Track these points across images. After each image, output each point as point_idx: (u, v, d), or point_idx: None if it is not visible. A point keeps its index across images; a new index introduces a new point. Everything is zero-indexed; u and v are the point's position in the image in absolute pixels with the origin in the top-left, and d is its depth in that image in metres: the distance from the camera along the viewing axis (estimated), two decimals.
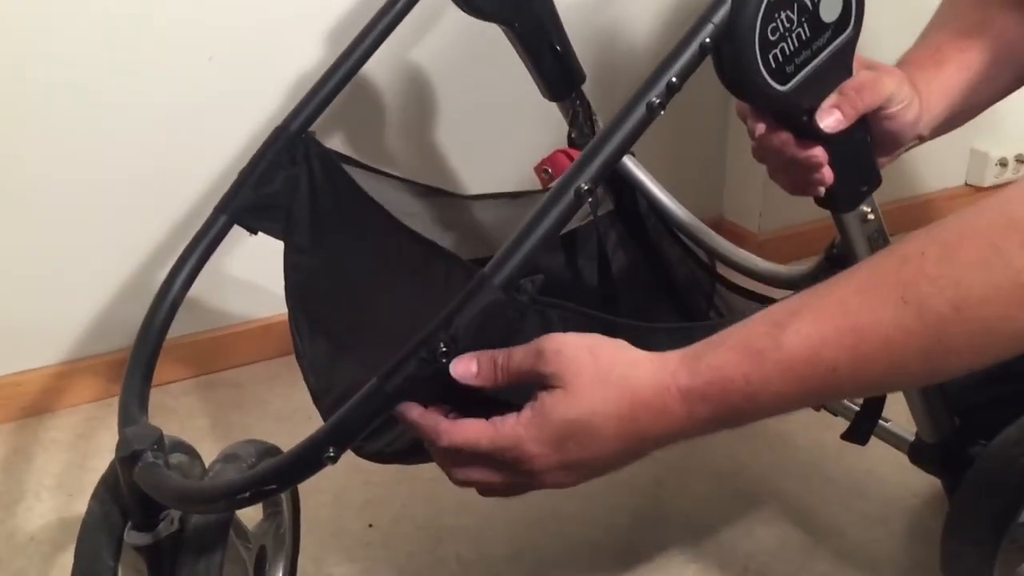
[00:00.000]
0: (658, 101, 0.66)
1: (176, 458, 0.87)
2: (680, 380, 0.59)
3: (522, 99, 1.47)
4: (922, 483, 1.16)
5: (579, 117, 1.10)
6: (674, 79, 0.66)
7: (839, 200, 0.80)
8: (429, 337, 0.64)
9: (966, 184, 1.87)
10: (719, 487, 1.19)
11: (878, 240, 0.83)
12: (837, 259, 0.87)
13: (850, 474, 1.19)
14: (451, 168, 1.51)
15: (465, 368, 0.63)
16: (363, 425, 0.65)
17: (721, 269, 1.08)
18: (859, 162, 0.78)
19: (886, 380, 0.60)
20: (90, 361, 1.40)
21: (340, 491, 1.19)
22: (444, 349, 0.63)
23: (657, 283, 1.13)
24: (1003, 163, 1.84)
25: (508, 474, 0.62)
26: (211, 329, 1.46)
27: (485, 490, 0.65)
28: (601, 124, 1.12)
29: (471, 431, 0.61)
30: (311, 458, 0.65)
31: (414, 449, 0.74)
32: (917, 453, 1.03)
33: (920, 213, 1.80)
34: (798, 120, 0.73)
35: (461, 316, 0.63)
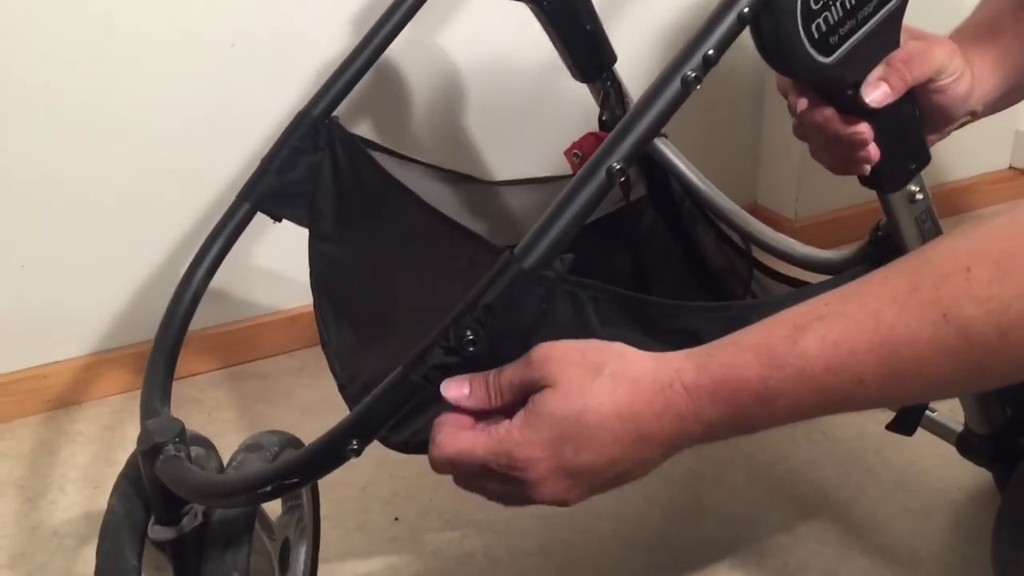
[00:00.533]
0: (693, 75, 0.63)
1: (195, 451, 0.85)
2: (686, 376, 0.56)
3: (551, 81, 1.47)
4: (968, 476, 1.12)
5: (610, 99, 1.07)
6: (711, 52, 0.63)
7: (885, 179, 0.76)
8: (455, 323, 0.62)
9: (1011, 168, 1.81)
10: (757, 479, 1.15)
11: (926, 222, 0.79)
12: (882, 242, 0.84)
13: (892, 466, 1.15)
14: (479, 154, 1.48)
15: (457, 391, 0.61)
16: (388, 416, 0.63)
17: (758, 254, 1.05)
18: (907, 138, 0.74)
19: (915, 395, 0.57)
20: (116, 353, 1.38)
21: (366, 484, 1.17)
22: (471, 336, 0.61)
23: (691, 269, 1.10)
24: None
25: (505, 483, 0.59)
26: (237, 320, 1.45)
27: (491, 498, 0.63)
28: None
29: (464, 441, 0.59)
30: (334, 451, 0.64)
31: None
32: (966, 444, 0.99)
33: (960, 198, 1.75)
34: (843, 94, 0.70)
35: (487, 298, 0.61)
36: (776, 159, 1.69)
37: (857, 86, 0.69)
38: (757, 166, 1.73)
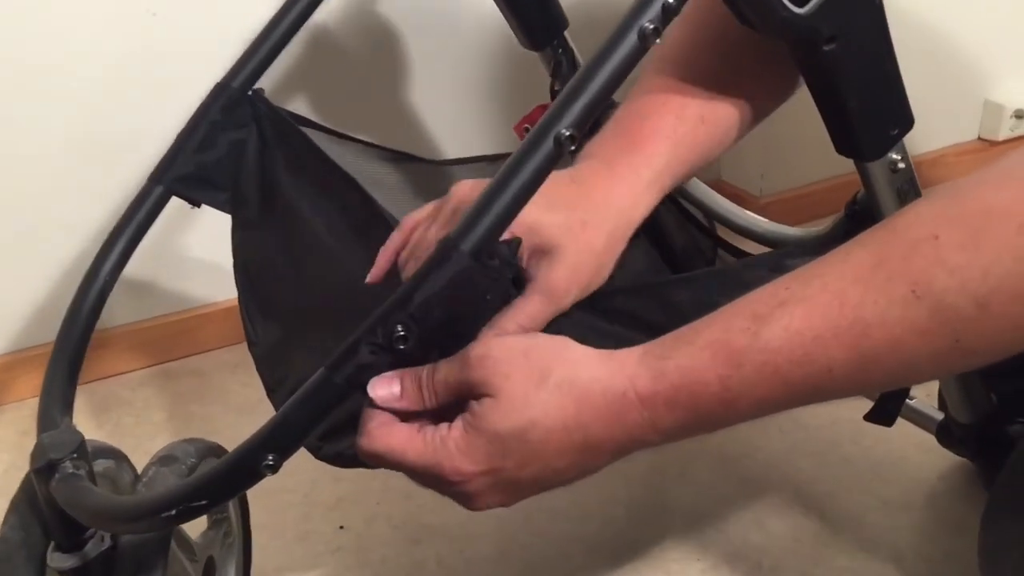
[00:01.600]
0: (652, 27, 0.55)
1: (102, 465, 0.77)
2: (640, 384, 0.51)
3: (498, 50, 1.39)
4: (948, 464, 1.06)
5: (562, 67, 1.00)
6: (670, 0, 0.55)
7: (864, 146, 0.68)
8: (383, 318, 0.54)
9: (979, 138, 1.75)
10: (725, 473, 1.08)
11: (908, 193, 0.72)
12: (859, 216, 0.76)
13: (869, 456, 1.09)
14: (421, 131, 1.40)
15: (386, 390, 0.55)
16: (308, 425, 0.55)
17: (723, 233, 0.97)
18: (888, 99, 0.67)
19: (891, 381, 0.52)
20: (35, 351, 1.29)
21: (308, 490, 1.09)
22: (402, 332, 0.54)
23: (655, 250, 1.02)
24: (1020, 115, 1.73)
25: (438, 486, 0.55)
26: (169, 313, 1.36)
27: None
28: None
29: (396, 439, 0.54)
30: (247, 467, 0.56)
31: None
32: (947, 434, 0.93)
33: (929, 171, 1.68)
34: (817, 49, 0.62)
35: (423, 291, 0.54)
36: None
37: (833, 40, 0.62)
38: None
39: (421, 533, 1.03)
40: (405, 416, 0.55)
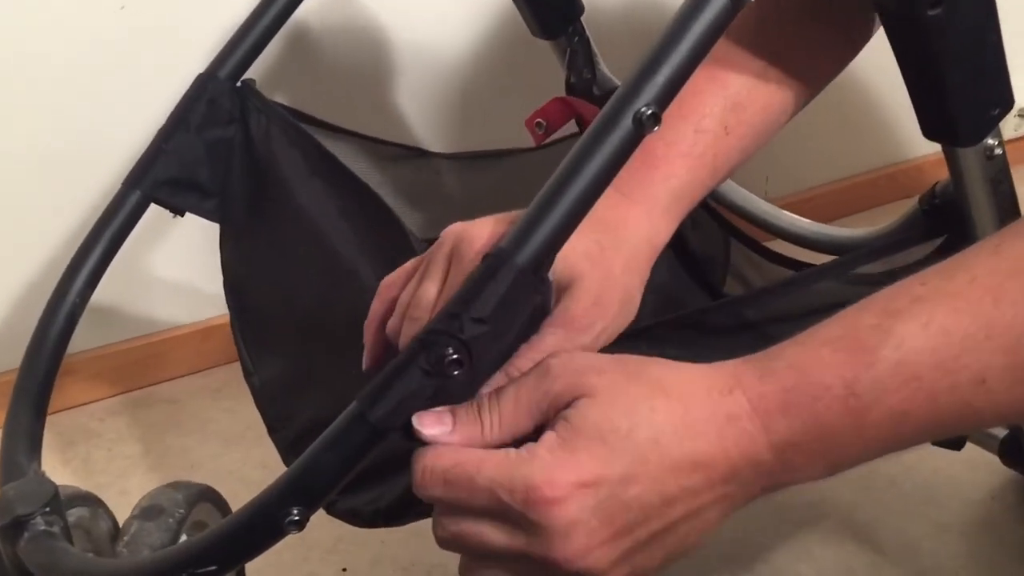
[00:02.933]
0: None
1: (75, 514, 0.66)
2: (747, 381, 0.43)
3: (507, 39, 1.29)
4: (1002, 482, 0.99)
5: (578, 58, 0.91)
6: None
7: (961, 129, 0.60)
8: (429, 342, 0.45)
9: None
10: (761, 501, 0.99)
11: (1002, 183, 0.64)
12: (940, 211, 0.68)
13: (915, 476, 1.01)
14: (422, 129, 1.30)
15: (436, 426, 0.45)
16: (340, 472, 0.47)
17: (759, 236, 0.89)
18: (990, 74, 0.58)
19: None
20: None
21: (306, 529, 0.98)
22: (455, 356, 0.45)
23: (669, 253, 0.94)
24: (1023, 114, 1.67)
25: (514, 533, 0.43)
26: (139, 336, 1.25)
27: (476, 561, 0.46)
28: (604, 67, 0.92)
29: (468, 454, 0.44)
30: (267, 525, 0.48)
31: (408, 505, 0.55)
32: (1015, 451, 0.85)
33: (933, 172, 1.62)
34: (921, 14, 0.54)
35: (473, 310, 0.45)
36: None
37: (940, 3, 0.53)
38: None
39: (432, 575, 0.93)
40: None
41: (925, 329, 0.41)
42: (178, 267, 1.23)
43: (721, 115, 0.59)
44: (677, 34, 0.47)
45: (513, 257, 0.46)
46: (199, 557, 0.48)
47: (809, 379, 0.42)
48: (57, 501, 0.58)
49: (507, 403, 0.45)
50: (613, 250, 0.54)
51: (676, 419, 0.42)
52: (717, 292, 0.93)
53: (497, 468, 0.43)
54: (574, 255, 0.52)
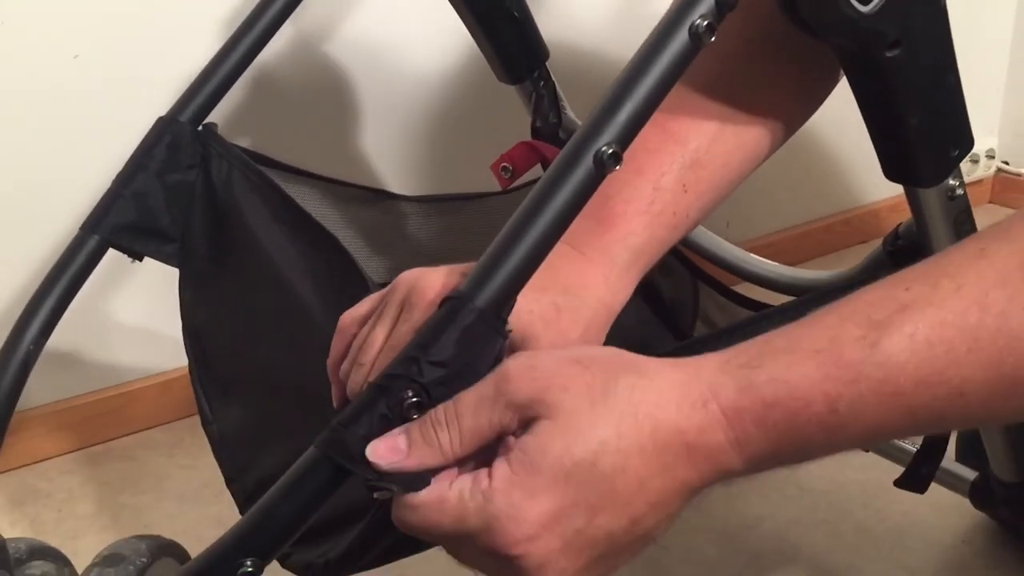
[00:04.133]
0: (705, 23, 0.48)
1: (37, 569, 0.64)
2: (724, 395, 0.42)
3: (473, 83, 1.29)
4: (969, 525, 0.98)
5: (544, 102, 0.92)
6: None
7: (922, 170, 0.60)
8: (388, 384, 0.44)
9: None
10: (732, 548, 0.98)
11: (964, 224, 0.64)
12: (903, 252, 0.68)
13: (885, 520, 1.00)
14: (385, 176, 1.29)
15: (389, 449, 0.43)
16: (298, 519, 0.45)
17: (728, 281, 0.89)
18: (950, 116, 0.59)
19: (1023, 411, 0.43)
20: None
21: None
22: (414, 399, 0.44)
23: (644, 296, 0.93)
24: (974, 159, 1.70)
25: (492, 565, 0.43)
26: (92, 391, 1.21)
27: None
28: (570, 111, 0.93)
29: (429, 510, 0.43)
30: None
31: (357, 555, 0.53)
32: (984, 494, 0.84)
33: (879, 220, 1.64)
34: (878, 56, 0.54)
35: (432, 353, 0.44)
36: None
37: (897, 44, 0.54)
38: None
39: None
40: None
41: (910, 341, 0.41)
42: (135, 316, 1.21)
43: (679, 173, 0.58)
44: (637, 73, 0.47)
45: (473, 299, 0.45)
46: None
47: (792, 394, 0.41)
48: (5, 555, 0.56)
49: (465, 417, 0.43)
50: (570, 313, 0.53)
51: (644, 440, 0.41)
52: (687, 337, 0.93)
53: (455, 520, 0.42)
54: (529, 316, 0.51)
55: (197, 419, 1.10)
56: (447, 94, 1.29)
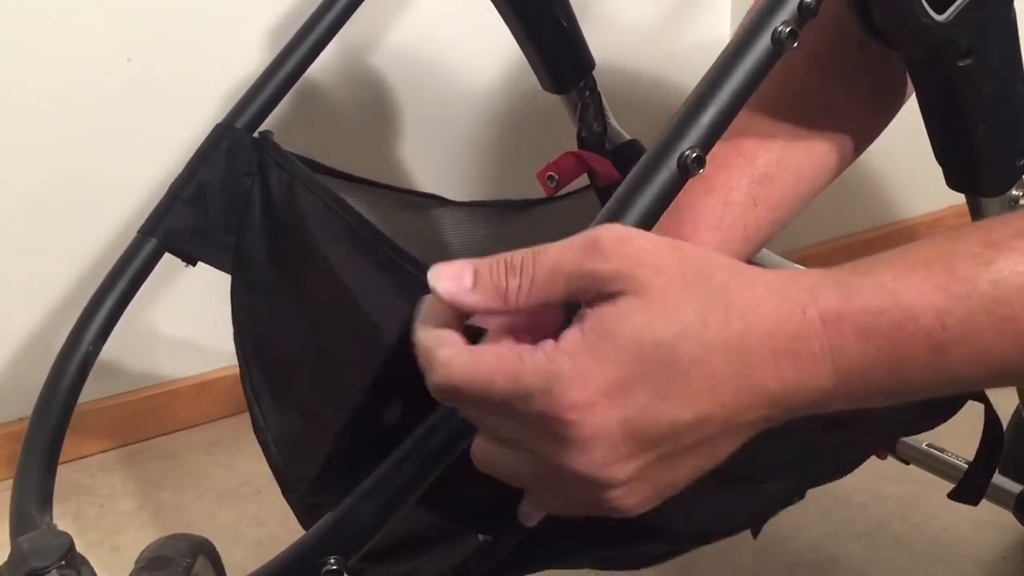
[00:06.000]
0: (788, 29, 0.48)
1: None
2: (824, 299, 0.38)
3: (519, 93, 1.29)
4: (1007, 541, 0.98)
5: (589, 112, 0.92)
6: None
7: (986, 179, 0.60)
8: None
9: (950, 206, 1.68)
10: (768, 557, 0.98)
11: None
12: None
13: (923, 536, 1.00)
14: (434, 184, 1.29)
15: (452, 277, 0.39)
16: (383, 516, 0.46)
17: None
18: (1017, 126, 0.59)
19: None
20: None
21: None
22: None
23: None
24: None
25: (530, 435, 0.39)
26: (137, 389, 1.22)
27: (501, 467, 0.42)
28: (615, 121, 0.93)
29: (481, 363, 0.38)
30: (304, 573, 0.46)
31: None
32: None
33: (917, 236, 1.63)
34: (950, 65, 0.54)
35: None
36: None
37: (970, 54, 0.54)
38: None
39: None
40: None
41: None
42: (177, 321, 1.21)
43: (748, 188, 0.58)
44: (720, 77, 0.47)
45: None
46: None
47: (899, 303, 0.38)
48: (74, 554, 0.56)
49: (543, 269, 0.39)
50: None
51: (730, 338, 0.37)
52: None
53: (511, 378, 0.37)
54: None
55: (236, 419, 1.10)
56: (494, 104, 1.29)
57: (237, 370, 1.16)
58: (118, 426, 1.21)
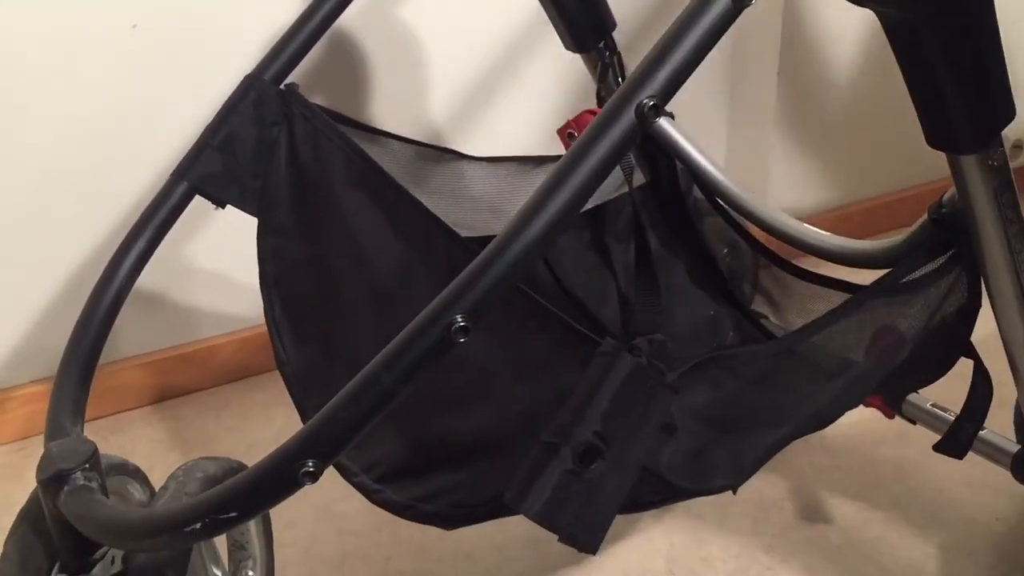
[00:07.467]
0: None
1: (117, 482, 0.70)
2: None
3: (540, 52, 1.29)
4: (1005, 505, 1.00)
5: (609, 71, 0.94)
6: None
7: (961, 137, 0.63)
8: (567, 441, 0.51)
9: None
10: (766, 519, 1.01)
11: (1004, 194, 0.67)
12: (947, 221, 0.71)
13: (919, 496, 1.02)
14: (454, 138, 1.31)
15: None
16: (355, 425, 0.50)
17: (778, 248, 0.92)
18: (992, 82, 0.61)
19: None
20: (11, 393, 1.18)
21: (309, 543, 0.97)
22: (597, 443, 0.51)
23: (698, 267, 0.96)
24: (1019, 145, 1.67)
25: None
26: (145, 353, 1.24)
27: None
28: None
29: None
30: (283, 475, 0.50)
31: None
32: None
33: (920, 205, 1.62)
34: (919, 20, 0.57)
35: (598, 403, 0.51)
36: (743, 155, 1.55)
37: (938, 12, 0.57)
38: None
39: None
40: None
41: None
42: (182, 286, 1.22)
43: None
44: (680, 33, 0.50)
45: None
46: (220, 504, 0.51)
47: None
48: (96, 459, 0.61)
49: None
50: None
51: None
52: (745, 307, 0.96)
53: None
54: None
55: (241, 384, 1.09)
56: (516, 61, 1.30)
57: (244, 335, 1.20)
58: (128, 389, 1.23)
